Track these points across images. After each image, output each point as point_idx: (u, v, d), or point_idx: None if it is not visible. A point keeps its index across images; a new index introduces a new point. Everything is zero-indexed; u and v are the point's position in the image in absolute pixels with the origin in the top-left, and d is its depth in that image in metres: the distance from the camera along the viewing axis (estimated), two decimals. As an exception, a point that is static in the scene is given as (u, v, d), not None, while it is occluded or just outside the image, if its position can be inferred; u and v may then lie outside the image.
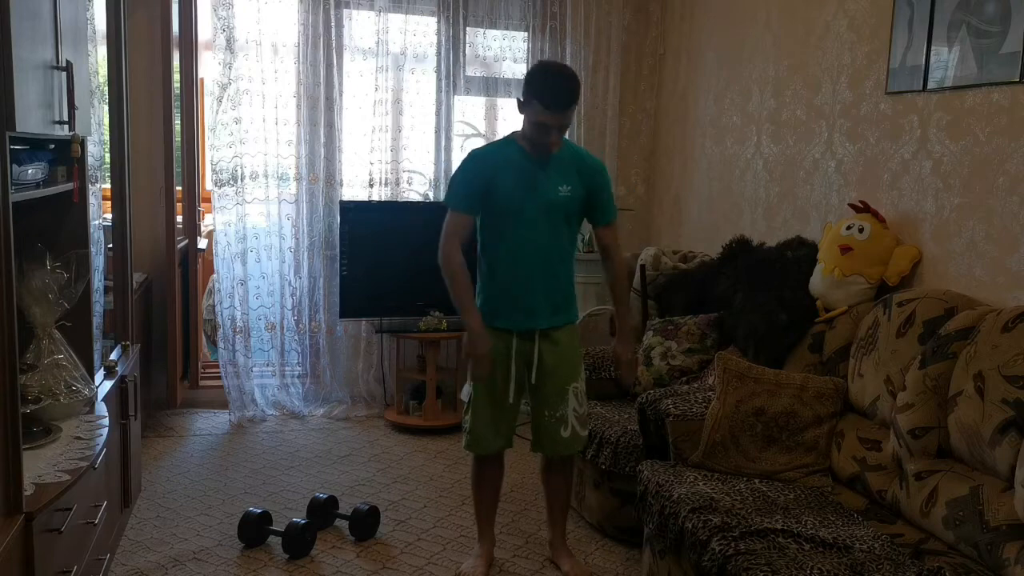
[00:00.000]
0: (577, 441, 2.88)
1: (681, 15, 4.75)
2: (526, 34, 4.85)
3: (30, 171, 2.15)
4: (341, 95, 4.57)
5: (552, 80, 2.60)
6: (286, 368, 4.69)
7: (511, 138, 2.78)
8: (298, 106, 4.50)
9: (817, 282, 3.10)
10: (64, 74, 2.21)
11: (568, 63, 4.78)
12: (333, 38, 4.49)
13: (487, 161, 2.74)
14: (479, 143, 4.85)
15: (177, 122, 4.23)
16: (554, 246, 2.77)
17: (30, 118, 1.93)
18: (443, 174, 4.77)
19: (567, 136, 2.92)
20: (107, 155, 3.23)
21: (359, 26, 4.59)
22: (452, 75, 4.71)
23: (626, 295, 2.96)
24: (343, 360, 4.72)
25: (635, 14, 4.96)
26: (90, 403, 2.48)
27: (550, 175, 2.71)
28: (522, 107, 2.65)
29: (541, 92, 2.57)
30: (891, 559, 2.09)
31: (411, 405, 4.51)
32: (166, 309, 4.23)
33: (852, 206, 3.13)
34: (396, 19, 4.60)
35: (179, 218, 4.33)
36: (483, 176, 2.71)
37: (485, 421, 2.83)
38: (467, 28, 4.74)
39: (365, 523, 3.15)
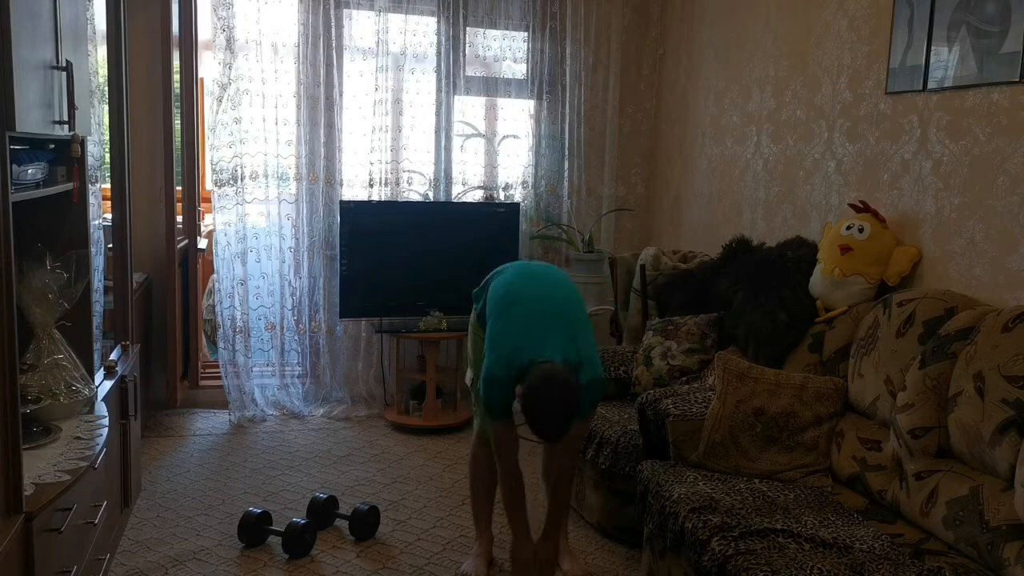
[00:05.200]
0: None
1: (681, 15, 4.75)
2: (526, 34, 4.84)
3: (30, 171, 2.15)
4: (341, 95, 4.57)
5: (541, 420, 2.46)
6: (286, 368, 4.69)
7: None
8: (298, 106, 4.50)
9: (817, 282, 3.10)
10: (64, 74, 2.21)
11: (568, 63, 4.81)
12: (333, 38, 4.49)
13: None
14: (479, 143, 4.87)
15: (177, 122, 4.23)
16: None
17: (30, 118, 1.93)
18: (443, 174, 4.77)
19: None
20: (107, 155, 3.23)
21: (359, 26, 4.59)
22: (452, 75, 4.71)
23: (563, 489, 2.80)
24: (343, 360, 4.72)
25: (635, 14, 4.96)
26: (90, 403, 2.48)
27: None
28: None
29: (535, 428, 2.49)
30: (891, 559, 2.09)
31: (411, 405, 4.52)
32: (166, 309, 4.22)
33: (852, 206, 3.13)
34: (396, 19, 4.60)
35: (179, 218, 4.32)
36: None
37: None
38: (467, 28, 4.74)
39: (365, 523, 3.15)
